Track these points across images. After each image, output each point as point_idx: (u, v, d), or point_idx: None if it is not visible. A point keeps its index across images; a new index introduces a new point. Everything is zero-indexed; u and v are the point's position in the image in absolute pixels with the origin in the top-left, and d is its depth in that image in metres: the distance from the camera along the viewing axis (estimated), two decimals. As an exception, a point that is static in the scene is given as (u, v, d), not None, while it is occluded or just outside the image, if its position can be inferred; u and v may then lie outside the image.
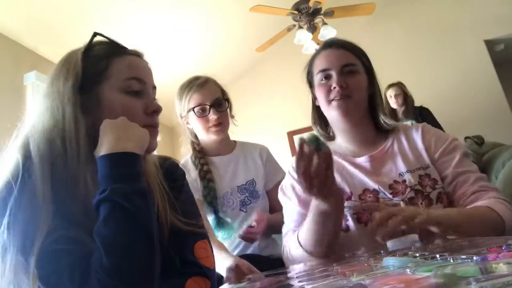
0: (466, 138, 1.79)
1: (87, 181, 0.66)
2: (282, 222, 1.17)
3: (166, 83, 3.85)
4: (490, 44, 3.92)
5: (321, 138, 0.84)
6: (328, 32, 3.39)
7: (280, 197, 1.14)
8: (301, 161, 0.80)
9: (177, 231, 0.74)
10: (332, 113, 1.06)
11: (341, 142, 1.13)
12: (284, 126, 4.45)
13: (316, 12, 3.38)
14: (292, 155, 4.48)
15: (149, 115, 0.76)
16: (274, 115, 4.46)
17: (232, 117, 1.52)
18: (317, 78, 1.08)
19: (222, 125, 1.43)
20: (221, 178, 1.46)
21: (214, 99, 1.41)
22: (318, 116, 1.16)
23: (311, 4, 3.20)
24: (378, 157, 1.05)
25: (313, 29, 3.42)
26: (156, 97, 0.83)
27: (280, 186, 1.16)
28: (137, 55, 0.80)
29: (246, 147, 1.56)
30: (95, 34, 0.78)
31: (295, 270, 0.74)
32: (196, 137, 1.51)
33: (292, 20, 3.51)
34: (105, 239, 0.58)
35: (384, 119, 1.09)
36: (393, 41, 4.11)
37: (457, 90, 3.81)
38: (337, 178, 1.02)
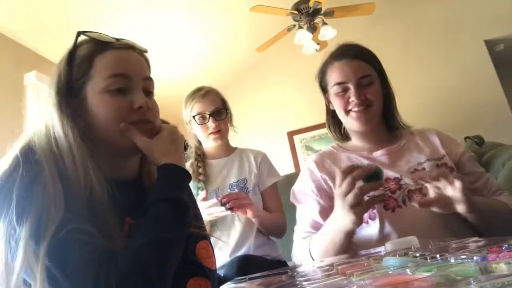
0: (466, 138, 1.79)
1: (91, 179, 0.66)
2: (277, 224, 1.27)
3: (166, 83, 3.86)
4: (490, 44, 3.92)
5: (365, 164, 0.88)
6: (328, 32, 3.39)
7: (291, 199, 1.18)
8: (361, 171, 0.82)
9: None
10: (350, 122, 1.10)
11: (356, 142, 1.17)
12: (284, 126, 4.44)
13: (316, 12, 3.38)
14: (292, 155, 4.50)
15: (134, 111, 0.72)
16: (274, 115, 4.46)
17: (232, 125, 1.64)
18: (333, 89, 1.11)
19: (220, 132, 1.56)
20: (215, 177, 1.57)
21: (213, 109, 1.55)
22: (333, 120, 1.21)
23: (311, 4, 3.20)
24: (395, 151, 1.10)
25: (313, 29, 3.42)
26: (157, 96, 0.82)
27: (292, 190, 1.19)
28: (124, 47, 0.75)
29: (244, 152, 1.66)
30: (79, 33, 0.75)
31: (295, 270, 0.74)
32: (199, 142, 1.65)
33: (292, 20, 3.51)
34: (155, 229, 0.63)
35: (399, 119, 1.14)
36: (393, 41, 4.10)
37: (457, 90, 3.81)
38: None
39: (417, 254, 0.53)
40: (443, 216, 0.89)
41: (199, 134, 1.59)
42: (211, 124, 1.53)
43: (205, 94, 1.56)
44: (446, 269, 0.38)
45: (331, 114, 1.20)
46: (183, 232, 0.67)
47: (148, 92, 0.77)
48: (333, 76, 1.11)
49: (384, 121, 1.15)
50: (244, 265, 1.23)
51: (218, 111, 1.55)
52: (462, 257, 0.43)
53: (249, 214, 1.40)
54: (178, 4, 3.11)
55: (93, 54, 0.73)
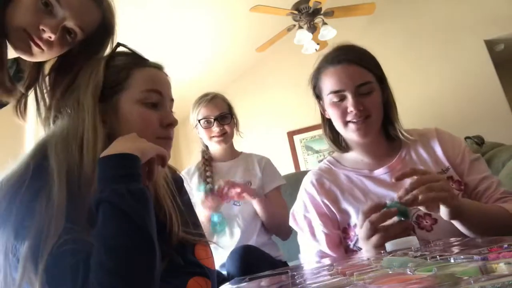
0: (466, 138, 1.79)
1: None
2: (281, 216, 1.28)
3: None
4: (490, 44, 3.92)
5: None
6: (328, 32, 3.39)
7: (291, 223, 1.11)
8: (381, 216, 0.78)
9: (181, 238, 0.75)
10: (349, 134, 1.02)
11: (356, 155, 1.08)
12: (284, 126, 4.44)
13: (316, 12, 3.38)
14: (292, 155, 4.50)
15: (164, 127, 0.77)
16: (274, 115, 4.46)
17: (238, 131, 1.68)
18: (329, 97, 1.01)
19: (224, 135, 1.59)
20: (221, 179, 1.57)
21: (218, 113, 1.59)
22: (330, 129, 1.10)
23: (311, 4, 3.20)
24: (396, 167, 1.01)
25: (313, 29, 3.42)
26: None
27: (291, 211, 1.12)
28: (158, 67, 0.81)
29: (249, 156, 1.69)
30: (119, 44, 0.80)
31: (295, 270, 0.74)
32: (206, 146, 1.68)
33: (292, 20, 3.51)
34: (103, 240, 0.58)
35: (401, 130, 1.03)
36: (393, 41, 4.10)
37: (457, 90, 3.81)
38: (361, 197, 1.00)
39: (417, 254, 0.53)
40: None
41: (204, 137, 1.62)
42: (215, 128, 1.57)
43: (211, 99, 1.60)
44: (446, 269, 0.38)
45: (328, 123, 1.09)
46: (141, 229, 0.59)
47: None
48: (329, 84, 1.00)
49: (384, 131, 1.06)
50: (246, 254, 1.23)
51: (223, 115, 1.59)
52: (462, 257, 0.43)
53: (247, 197, 1.45)
54: (178, 3, 3.11)
55: (132, 66, 0.77)
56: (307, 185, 1.09)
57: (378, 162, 1.04)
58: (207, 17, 3.45)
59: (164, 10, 3.11)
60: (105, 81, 0.75)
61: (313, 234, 1.03)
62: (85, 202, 0.64)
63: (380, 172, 1.02)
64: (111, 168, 0.63)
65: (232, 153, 1.68)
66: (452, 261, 0.43)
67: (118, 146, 0.66)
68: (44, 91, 0.82)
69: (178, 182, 0.85)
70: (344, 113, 0.98)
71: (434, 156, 1.01)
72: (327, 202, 1.02)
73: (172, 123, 0.78)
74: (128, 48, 0.80)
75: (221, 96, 1.66)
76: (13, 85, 0.76)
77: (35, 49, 0.72)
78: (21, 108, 0.81)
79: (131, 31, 3.08)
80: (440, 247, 0.62)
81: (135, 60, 0.79)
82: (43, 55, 0.75)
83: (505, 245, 0.46)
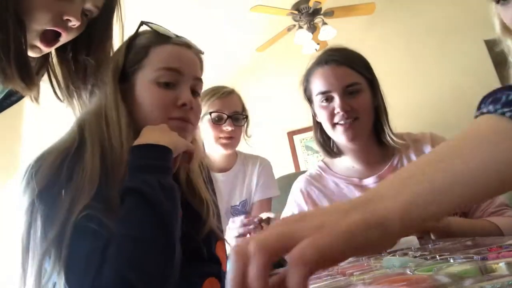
0: (466, 138, 1.79)
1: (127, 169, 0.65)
2: None
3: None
4: (490, 44, 3.91)
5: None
6: (328, 32, 3.39)
7: None
8: None
9: (210, 230, 0.74)
10: (337, 137, 1.00)
11: (347, 161, 1.07)
12: (284, 126, 4.44)
13: (316, 12, 3.38)
14: (292, 155, 4.50)
15: (178, 107, 0.72)
16: (274, 115, 4.45)
17: (249, 136, 1.49)
18: (317, 98, 1.00)
19: (233, 139, 1.38)
20: (220, 198, 1.42)
21: (233, 111, 1.39)
22: (321, 133, 1.08)
23: (311, 4, 3.20)
24: (386, 176, 0.99)
25: (313, 29, 3.42)
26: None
27: (281, 217, 1.11)
28: (182, 44, 0.77)
29: (246, 161, 1.50)
30: (142, 23, 0.76)
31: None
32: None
33: (292, 20, 3.51)
34: (126, 229, 0.58)
35: (390, 136, 1.00)
36: (393, 41, 4.10)
37: (457, 90, 3.80)
38: None
39: (417, 254, 0.53)
40: None
41: (209, 135, 1.37)
42: (226, 127, 1.35)
43: (229, 93, 1.43)
44: (446, 269, 0.38)
45: (319, 127, 1.07)
46: (165, 224, 0.59)
47: (195, 92, 0.77)
48: (317, 85, 1.00)
49: (375, 136, 1.03)
50: None
51: (238, 115, 1.40)
52: (462, 257, 0.43)
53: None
54: (177, 3, 3.11)
55: (150, 45, 0.74)
56: (295, 193, 1.09)
57: (369, 170, 1.03)
58: (207, 17, 3.45)
59: (164, 10, 3.11)
60: (126, 61, 0.73)
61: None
62: (115, 183, 0.64)
63: (370, 181, 1.01)
64: (144, 157, 0.63)
65: (230, 159, 1.47)
66: (452, 261, 0.43)
67: (150, 136, 0.65)
68: (57, 70, 0.79)
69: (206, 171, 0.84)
70: (331, 114, 0.97)
71: None
72: None
73: (185, 103, 0.72)
74: (150, 26, 0.76)
75: (238, 93, 1.49)
76: (29, 79, 0.73)
77: (45, 49, 0.70)
78: (34, 94, 0.80)
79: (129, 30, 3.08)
80: (440, 247, 0.62)
81: (156, 37, 0.75)
82: (56, 46, 0.72)
83: (505, 245, 0.46)
